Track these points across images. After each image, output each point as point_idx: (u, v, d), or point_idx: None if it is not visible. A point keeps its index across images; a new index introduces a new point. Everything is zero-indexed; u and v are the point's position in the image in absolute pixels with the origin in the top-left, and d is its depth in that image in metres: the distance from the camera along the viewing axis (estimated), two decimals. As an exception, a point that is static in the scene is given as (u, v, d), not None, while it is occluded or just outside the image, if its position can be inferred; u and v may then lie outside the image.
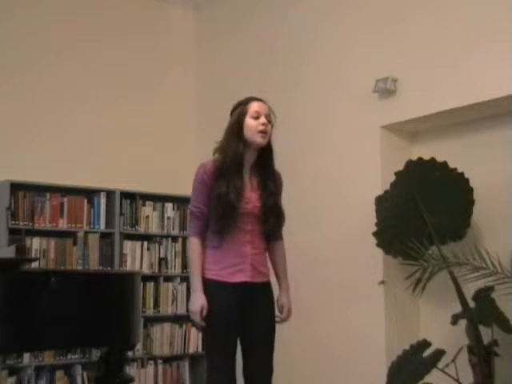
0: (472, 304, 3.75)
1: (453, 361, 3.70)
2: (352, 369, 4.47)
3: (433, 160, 4.06)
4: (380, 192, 4.25)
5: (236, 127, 3.08)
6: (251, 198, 3.10)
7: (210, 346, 3.08)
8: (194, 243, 3.08)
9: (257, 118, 3.07)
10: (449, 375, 3.72)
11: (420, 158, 4.13)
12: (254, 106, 3.09)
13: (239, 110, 3.10)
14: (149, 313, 5.29)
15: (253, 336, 3.09)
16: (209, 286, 3.04)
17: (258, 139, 3.07)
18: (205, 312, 2.99)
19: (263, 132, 3.06)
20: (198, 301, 3.00)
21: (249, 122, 3.07)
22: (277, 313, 3.21)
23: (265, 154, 3.15)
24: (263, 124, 3.06)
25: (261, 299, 3.13)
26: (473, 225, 4.02)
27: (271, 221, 3.13)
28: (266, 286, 3.17)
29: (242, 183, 3.07)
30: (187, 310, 5.39)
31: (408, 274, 3.82)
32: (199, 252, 3.07)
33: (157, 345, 5.31)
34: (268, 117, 3.10)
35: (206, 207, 3.06)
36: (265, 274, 3.18)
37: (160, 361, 5.34)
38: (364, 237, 4.25)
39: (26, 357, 4.66)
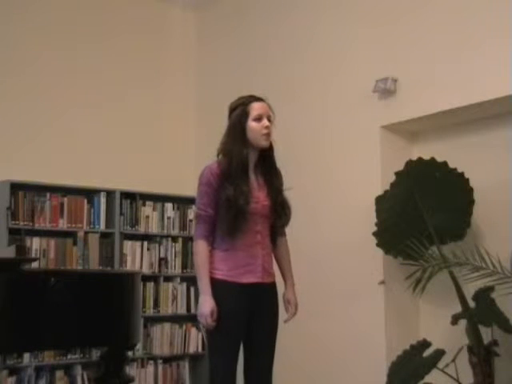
0: (472, 304, 3.75)
1: (453, 361, 3.70)
2: (352, 369, 4.47)
3: (433, 160, 4.07)
4: (380, 192, 4.25)
5: (239, 129, 3.07)
6: (259, 197, 3.10)
7: (216, 346, 3.06)
8: (201, 246, 3.05)
9: (259, 119, 3.07)
10: (449, 375, 3.73)
11: (420, 158, 4.13)
12: (255, 108, 3.08)
13: (240, 112, 3.08)
14: (149, 313, 5.29)
15: (257, 336, 3.09)
16: (218, 286, 3.02)
17: (263, 142, 3.08)
18: (215, 315, 2.98)
19: (267, 135, 3.08)
20: (208, 304, 2.98)
21: (252, 124, 3.07)
22: (282, 311, 3.20)
23: (266, 152, 3.15)
24: (266, 127, 3.07)
25: (268, 300, 3.13)
26: (473, 225, 4.02)
27: (282, 217, 3.15)
28: (273, 286, 3.18)
29: (249, 185, 3.07)
30: (187, 310, 5.44)
31: (408, 274, 3.81)
32: (206, 255, 3.04)
33: (157, 345, 5.31)
34: (269, 117, 3.11)
35: (214, 210, 3.04)
36: (273, 274, 3.19)
37: (160, 361, 5.34)
38: (364, 237, 4.25)
39: (26, 357, 4.65)
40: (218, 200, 3.03)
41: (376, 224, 4.16)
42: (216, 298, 3.00)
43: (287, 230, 3.28)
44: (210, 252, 3.06)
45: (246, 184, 3.05)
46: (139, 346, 5.06)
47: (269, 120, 3.10)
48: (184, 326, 5.46)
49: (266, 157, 3.16)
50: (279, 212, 3.14)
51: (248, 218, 3.03)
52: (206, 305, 2.99)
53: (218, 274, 3.04)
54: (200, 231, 3.07)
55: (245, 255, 3.06)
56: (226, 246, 3.05)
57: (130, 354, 4.44)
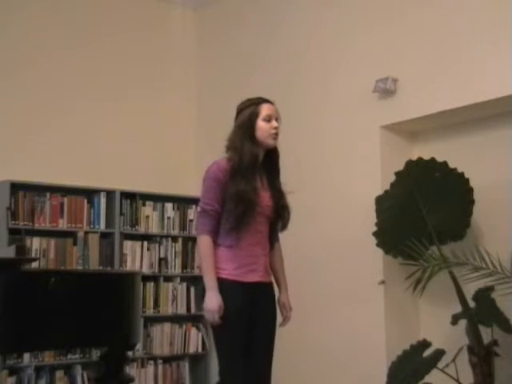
0: (472, 304, 3.76)
1: (453, 361, 3.71)
2: (352, 369, 4.47)
3: (433, 160, 4.07)
4: (380, 192, 4.25)
5: (249, 128, 3.10)
6: (264, 197, 3.12)
7: (224, 346, 3.05)
8: (206, 241, 3.04)
9: (268, 120, 3.11)
10: (449, 375, 3.73)
11: (420, 158, 4.14)
12: (265, 109, 3.12)
13: (251, 111, 3.12)
14: (149, 313, 5.28)
15: (257, 335, 3.09)
16: (223, 285, 3.02)
17: (271, 142, 3.12)
18: (221, 312, 2.97)
19: (275, 135, 3.12)
20: (216, 299, 2.97)
21: (261, 124, 3.10)
22: (279, 316, 3.22)
23: (272, 154, 3.18)
24: (275, 128, 3.12)
25: (267, 299, 3.16)
26: (473, 225, 4.02)
27: (283, 220, 3.18)
28: (272, 286, 3.21)
29: (258, 184, 3.11)
30: (187, 310, 5.44)
31: (408, 274, 3.82)
32: (212, 250, 3.04)
33: (157, 345, 5.31)
34: (277, 119, 3.15)
35: (220, 205, 3.05)
36: (270, 274, 3.22)
37: (160, 361, 5.34)
38: (364, 237, 4.25)
39: (26, 357, 4.65)
40: (224, 195, 3.04)
41: (376, 224, 4.16)
42: (222, 296, 2.99)
43: (288, 230, 3.28)
44: (214, 248, 3.06)
45: (255, 182, 3.09)
46: (139, 346, 5.06)
47: (276, 122, 3.14)
48: (184, 326, 5.46)
49: (271, 159, 3.19)
50: (281, 214, 3.17)
51: (254, 216, 3.04)
52: (214, 300, 2.97)
53: (223, 274, 3.04)
54: (204, 226, 3.06)
55: (247, 254, 3.07)
56: (230, 242, 3.05)
57: (130, 354, 4.44)
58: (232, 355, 3.02)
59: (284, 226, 3.22)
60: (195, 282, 5.54)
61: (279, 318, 3.22)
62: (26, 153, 5.02)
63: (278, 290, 3.26)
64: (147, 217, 5.39)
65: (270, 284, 3.19)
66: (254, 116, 3.10)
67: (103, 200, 5.17)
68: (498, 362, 3.74)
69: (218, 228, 3.07)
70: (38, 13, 5.23)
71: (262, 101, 3.15)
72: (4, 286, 3.28)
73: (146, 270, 5.27)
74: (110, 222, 5.18)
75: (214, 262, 3.03)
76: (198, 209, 3.14)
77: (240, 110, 3.17)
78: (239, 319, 3.01)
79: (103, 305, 3.54)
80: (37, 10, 5.23)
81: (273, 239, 3.24)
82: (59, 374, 4.84)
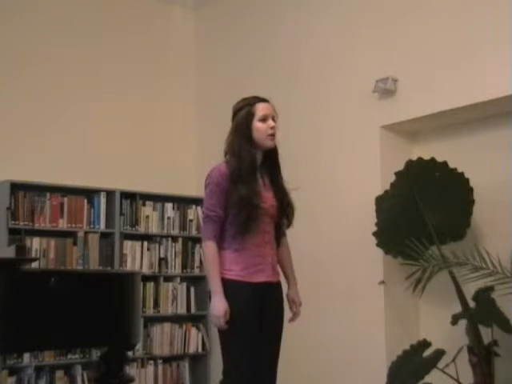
0: (472, 304, 3.76)
1: (453, 361, 3.71)
2: (352, 369, 4.47)
3: (433, 160, 4.07)
4: (380, 192, 4.25)
5: (245, 130, 3.08)
6: (268, 197, 3.11)
7: (231, 345, 3.04)
8: (211, 247, 3.03)
9: (264, 120, 3.08)
10: (449, 375, 3.73)
11: (420, 158, 4.14)
12: (261, 109, 3.09)
13: (246, 112, 3.09)
14: (149, 313, 5.28)
15: (266, 335, 3.09)
16: (230, 286, 3.01)
17: (269, 142, 3.10)
18: (228, 316, 2.97)
19: (272, 135, 3.10)
20: (221, 304, 2.97)
21: (258, 125, 3.08)
22: (287, 310, 3.22)
23: (271, 153, 3.16)
24: (272, 127, 3.09)
25: (276, 298, 3.16)
26: (473, 225, 4.02)
27: (290, 218, 3.19)
28: (280, 284, 3.20)
29: (259, 185, 3.10)
30: (187, 310, 5.44)
31: (408, 274, 3.82)
32: (217, 256, 3.03)
33: (157, 345, 5.31)
34: (274, 118, 3.13)
35: (223, 210, 3.04)
36: (278, 273, 3.21)
37: (160, 361, 5.33)
38: (364, 237, 4.25)
39: (26, 357, 4.65)
40: (227, 200, 3.03)
41: (376, 224, 4.16)
42: (229, 298, 2.98)
43: (287, 230, 3.28)
44: (220, 253, 3.05)
45: (257, 184, 3.07)
46: (139, 346, 5.06)
47: (273, 120, 3.12)
48: (184, 326, 5.45)
49: (271, 157, 3.17)
50: (287, 212, 3.17)
51: (259, 218, 3.04)
52: (220, 305, 2.97)
53: (230, 275, 3.03)
54: (209, 232, 3.05)
55: (255, 255, 3.06)
56: (237, 246, 3.05)
57: (130, 353, 4.44)
58: (238, 355, 3.01)
59: (289, 224, 3.22)
60: (195, 282, 5.54)
61: (288, 314, 3.21)
62: (25, 153, 5.02)
63: (287, 285, 3.26)
64: (147, 217, 5.39)
65: (278, 283, 3.18)
66: (250, 117, 3.08)
67: (103, 200, 5.16)
68: (498, 362, 3.74)
69: (223, 232, 3.06)
70: (37, 12, 5.22)
71: (257, 100, 3.12)
72: (4, 286, 3.28)
73: (146, 270, 5.27)
74: (110, 221, 5.18)
75: (219, 267, 3.02)
76: (202, 214, 3.14)
77: (236, 111, 3.15)
78: (247, 319, 3.00)
79: (103, 305, 3.54)
80: (37, 10, 5.22)
81: (279, 236, 3.23)
82: (59, 373, 4.84)
